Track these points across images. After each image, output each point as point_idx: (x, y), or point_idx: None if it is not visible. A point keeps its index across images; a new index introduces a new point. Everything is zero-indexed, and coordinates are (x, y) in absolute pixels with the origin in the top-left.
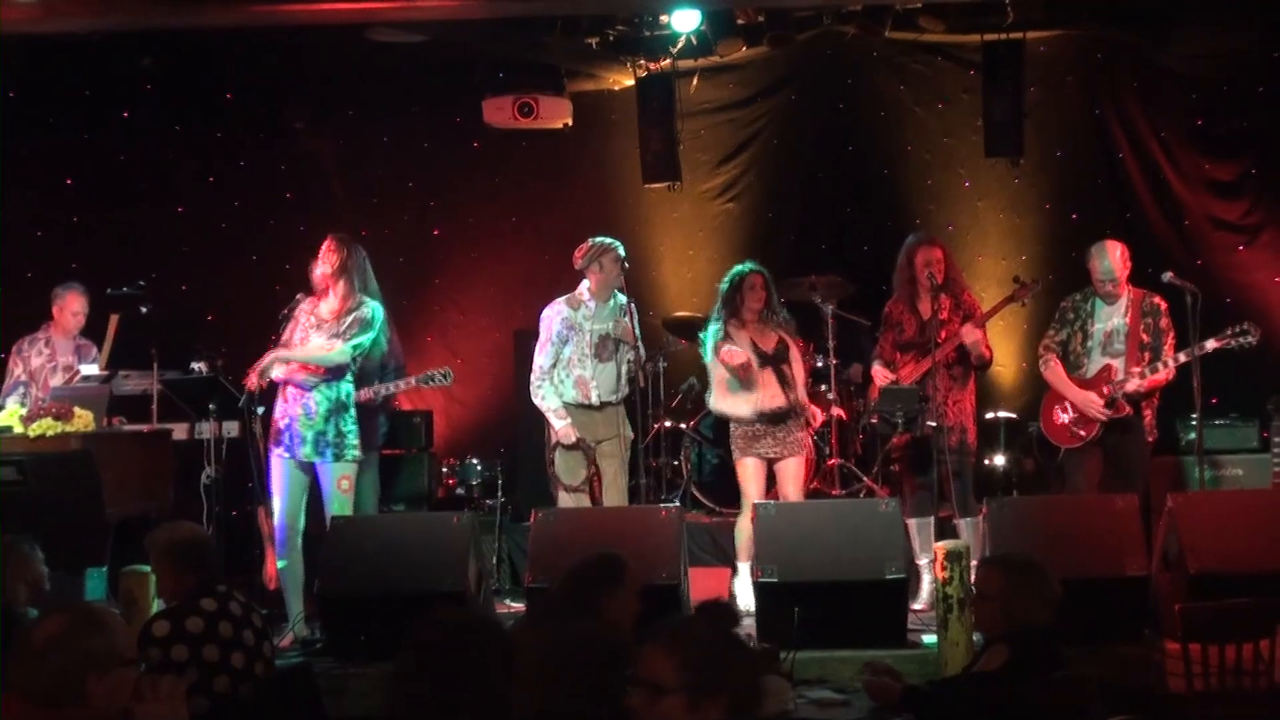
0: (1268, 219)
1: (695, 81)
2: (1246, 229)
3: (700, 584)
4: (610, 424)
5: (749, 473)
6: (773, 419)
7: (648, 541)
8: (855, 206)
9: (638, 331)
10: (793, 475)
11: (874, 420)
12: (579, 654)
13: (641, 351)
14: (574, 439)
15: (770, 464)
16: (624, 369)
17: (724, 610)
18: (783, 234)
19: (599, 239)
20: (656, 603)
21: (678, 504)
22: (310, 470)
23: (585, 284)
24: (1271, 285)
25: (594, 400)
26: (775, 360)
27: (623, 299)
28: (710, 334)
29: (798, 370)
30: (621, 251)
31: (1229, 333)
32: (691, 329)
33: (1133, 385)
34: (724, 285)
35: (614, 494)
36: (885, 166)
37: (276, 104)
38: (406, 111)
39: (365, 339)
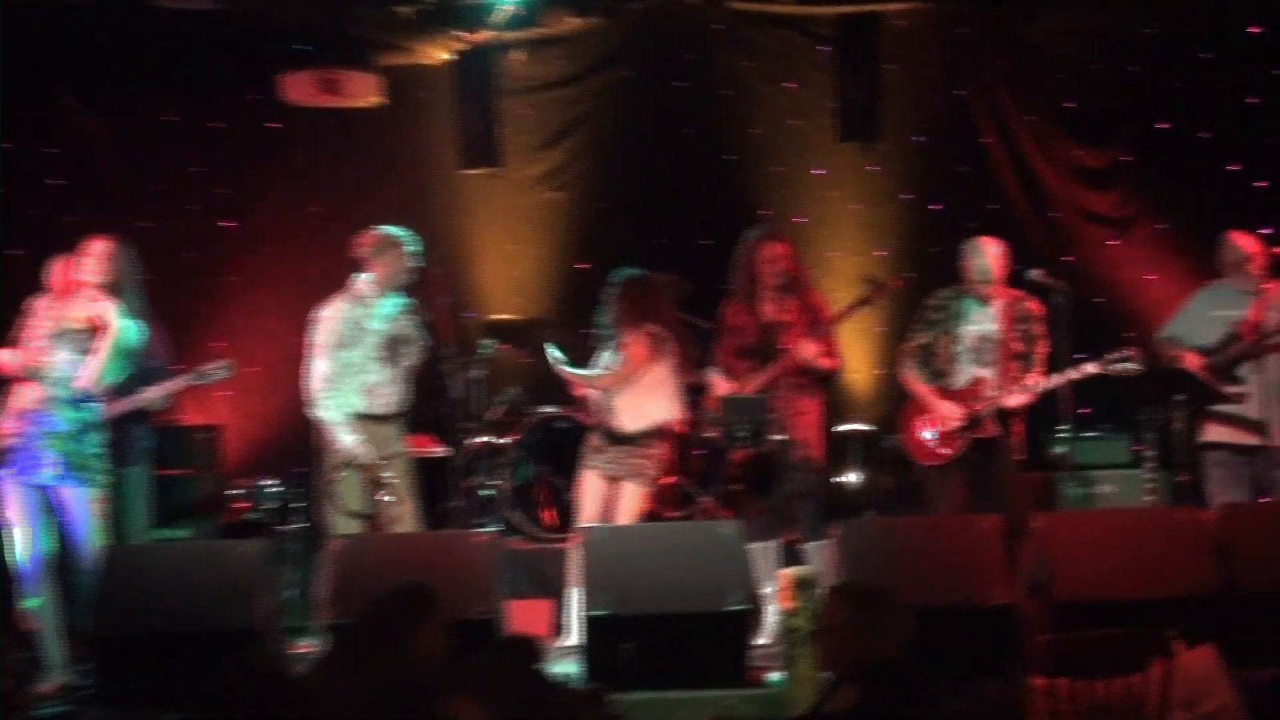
0: (1140, 210)
1: (518, 56)
2: (1118, 221)
3: (520, 618)
4: (397, 439)
5: (585, 487)
6: (612, 437)
7: (460, 571)
8: (695, 196)
9: (424, 334)
10: (624, 503)
11: (714, 434)
12: (383, 695)
13: (426, 353)
14: (365, 456)
15: (611, 484)
16: (404, 375)
17: (525, 647)
18: (615, 226)
19: (389, 229)
20: (470, 640)
21: (495, 529)
22: (50, 494)
23: (366, 278)
24: (1144, 283)
25: (383, 411)
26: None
27: (404, 298)
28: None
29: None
30: (414, 247)
31: (1108, 359)
32: (514, 333)
33: (1014, 401)
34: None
35: (408, 519)
36: (728, 152)
37: (42, 76)
38: (194, 87)
39: (121, 353)
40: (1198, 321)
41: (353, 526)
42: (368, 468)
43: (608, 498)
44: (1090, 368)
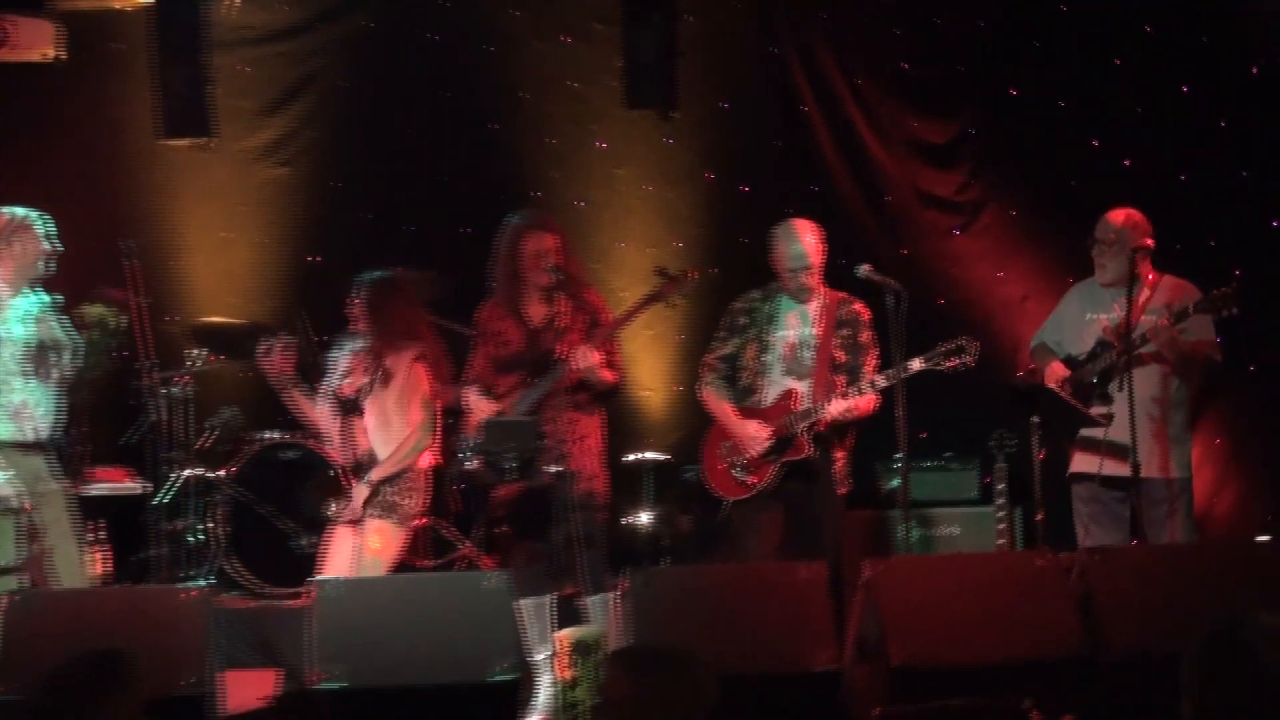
0: (988, 194)
1: (232, 0)
2: (963, 207)
3: (238, 693)
4: (51, 470)
5: (332, 539)
6: (359, 473)
7: (162, 635)
8: (452, 174)
9: (75, 336)
10: (372, 546)
11: (474, 465)
12: None
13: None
14: (12, 495)
15: (355, 527)
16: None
17: None
18: (354, 211)
19: (14, 210)
20: None
21: (207, 583)
22: None
23: None
24: (994, 281)
25: (33, 437)
26: (353, 404)
27: (45, 294)
28: None
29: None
30: (48, 228)
31: (940, 350)
32: (228, 339)
33: (836, 409)
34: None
35: (71, 570)
36: (494, 120)
37: None
38: None
39: None
40: (1072, 326)
41: (4, 583)
42: (17, 510)
43: (355, 545)
44: (917, 364)
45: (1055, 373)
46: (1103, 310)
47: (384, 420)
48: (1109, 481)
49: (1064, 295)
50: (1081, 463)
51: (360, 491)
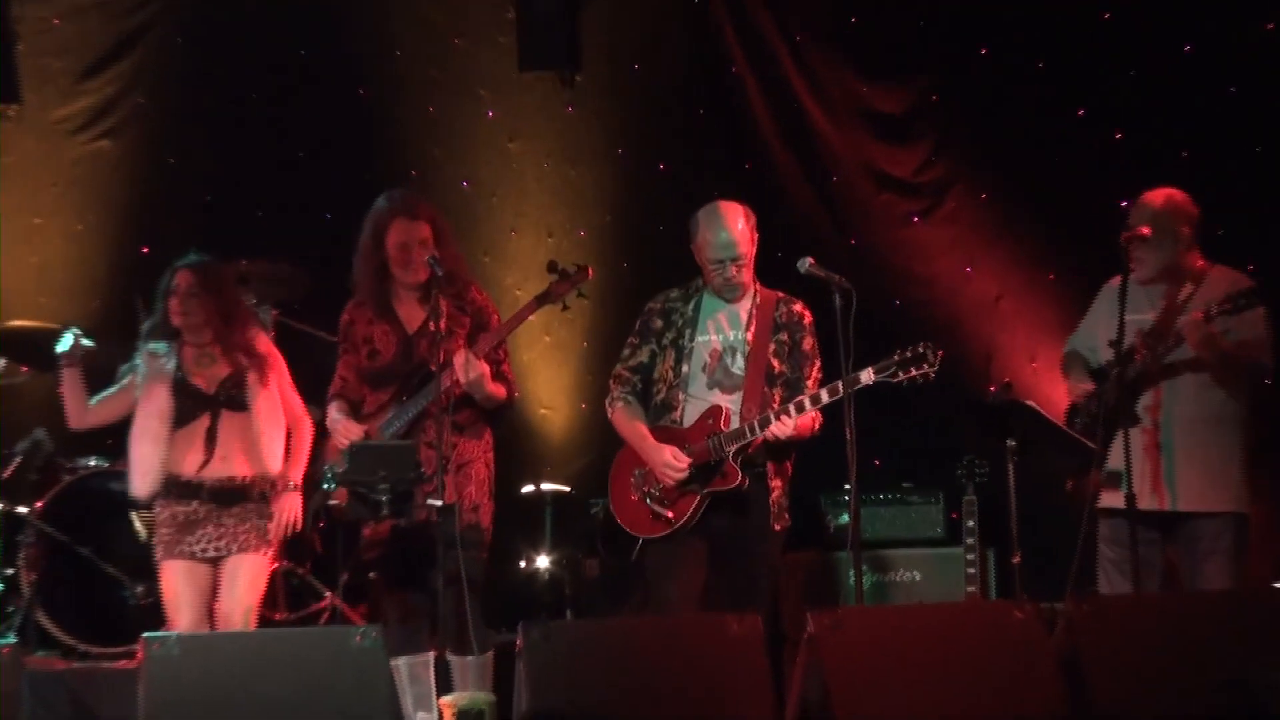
0: (954, 173)
1: None
2: (924, 189)
3: None
4: None
5: (176, 583)
6: (220, 495)
7: None
8: (311, 150)
9: None
10: (240, 586)
11: (338, 499)
12: None
13: None
14: None
15: (215, 567)
16: None
17: None
18: (190, 193)
19: None
20: None
21: (11, 641)
22: None
23: None
24: (962, 277)
25: None
26: (221, 402)
27: None
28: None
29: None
30: None
31: (896, 359)
32: (37, 347)
33: (774, 430)
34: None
35: None
36: (363, 85)
37: None
38: None
39: None
40: (1106, 329)
41: None
42: None
43: (209, 588)
44: (868, 375)
45: (1075, 389)
46: (1141, 311)
47: (274, 418)
48: (1145, 519)
49: (1098, 293)
50: (1110, 498)
51: (291, 501)
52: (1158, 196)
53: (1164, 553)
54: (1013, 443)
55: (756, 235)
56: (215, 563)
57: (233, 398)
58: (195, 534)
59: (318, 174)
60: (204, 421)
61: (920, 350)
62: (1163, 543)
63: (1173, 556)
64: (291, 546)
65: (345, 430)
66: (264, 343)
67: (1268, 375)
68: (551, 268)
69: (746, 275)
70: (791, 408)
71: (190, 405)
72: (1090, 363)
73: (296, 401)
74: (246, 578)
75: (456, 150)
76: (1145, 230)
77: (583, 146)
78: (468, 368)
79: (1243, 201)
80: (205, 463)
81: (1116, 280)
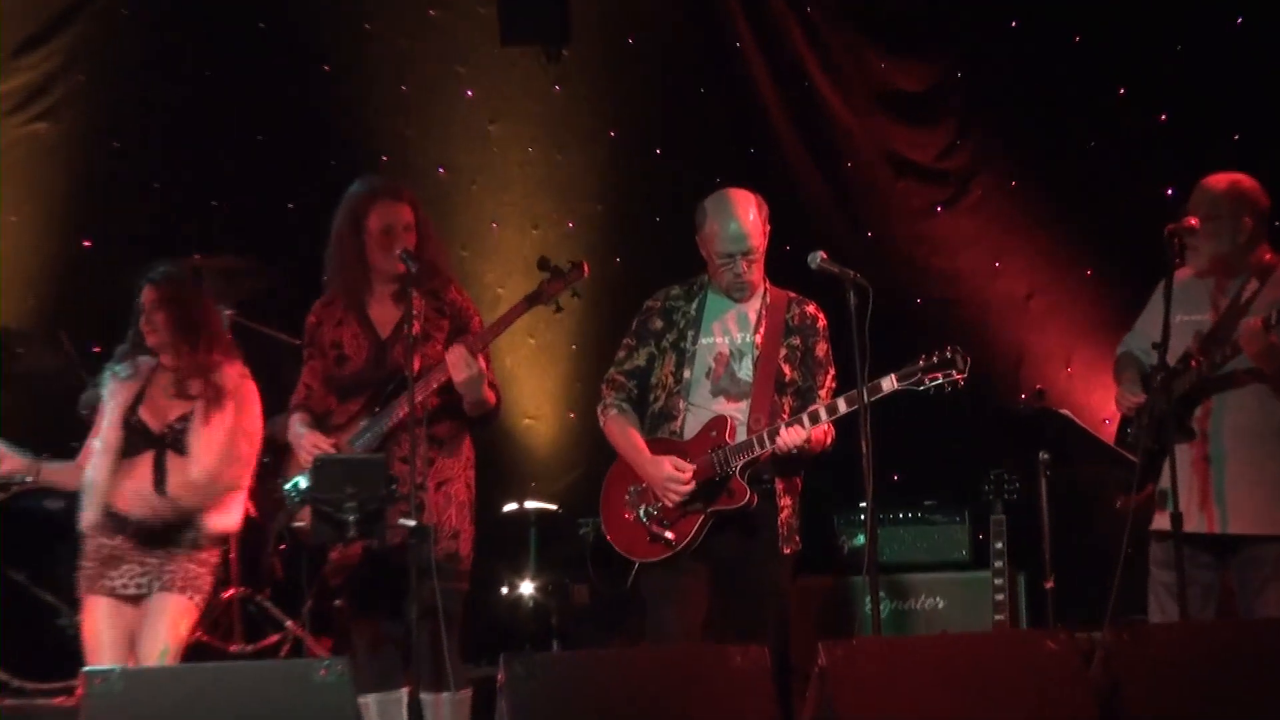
0: (981, 159)
1: None
2: (948, 177)
3: None
4: None
5: (97, 621)
6: (144, 535)
7: None
8: (273, 133)
9: None
10: (161, 628)
11: (302, 519)
12: None
13: None
14: None
15: (137, 605)
16: None
17: None
18: (138, 180)
19: None
20: None
21: None
22: None
23: None
24: (989, 273)
25: None
26: (167, 443)
27: None
28: None
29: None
30: None
31: (921, 365)
32: None
33: (786, 441)
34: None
35: None
36: (326, 61)
37: None
38: None
39: None
40: (1165, 329)
41: None
42: None
43: (132, 628)
44: (890, 383)
45: (1124, 400)
46: (1199, 310)
47: (210, 461)
48: (1197, 542)
49: (1157, 287)
50: (1161, 517)
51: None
52: (1221, 181)
53: (1221, 577)
54: (1045, 455)
55: (768, 227)
56: (137, 601)
57: (178, 438)
58: (118, 569)
59: (278, 159)
60: (148, 457)
61: (948, 355)
62: (1219, 567)
63: (1229, 582)
64: (249, 571)
65: (310, 443)
66: (231, 374)
67: None
68: (543, 264)
69: (757, 272)
70: (805, 418)
71: (135, 441)
72: (1145, 366)
73: (245, 450)
74: (168, 617)
75: (432, 133)
76: (1193, 221)
77: (571, 129)
78: (464, 364)
79: None
80: (142, 499)
81: (1180, 272)
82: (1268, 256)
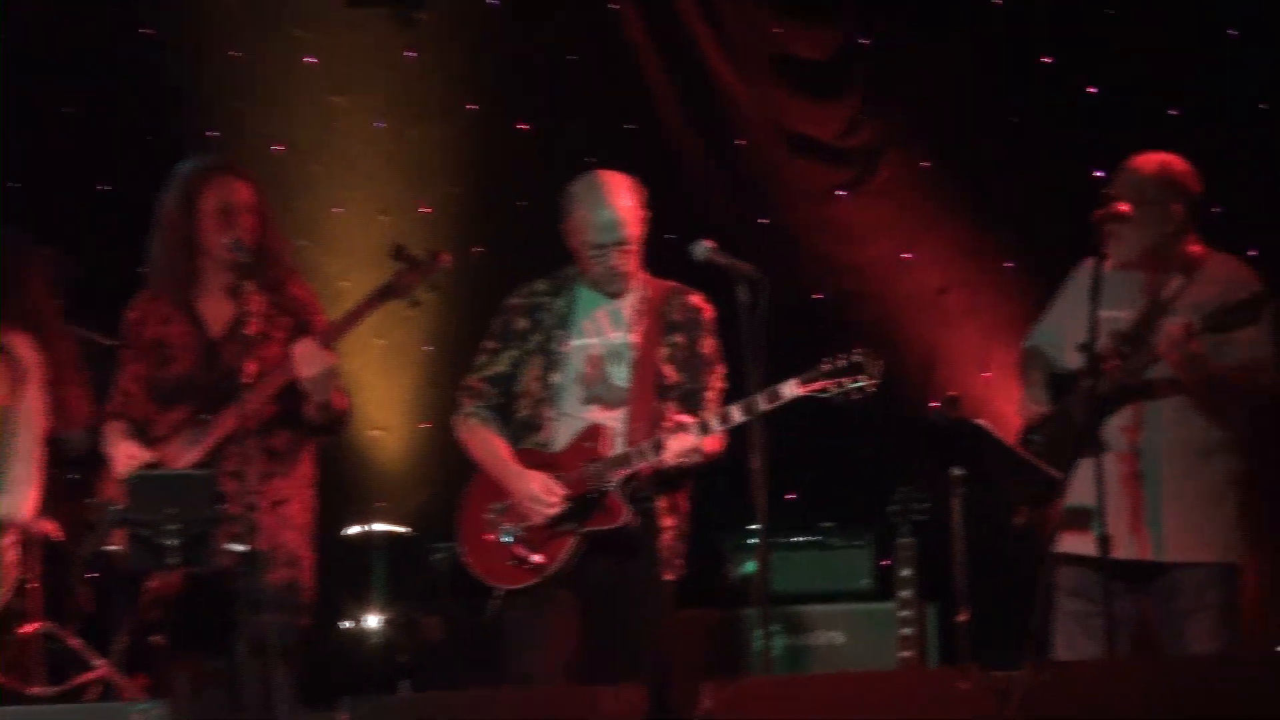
0: (889, 136)
1: None
2: (852, 156)
3: None
4: None
5: None
6: None
7: None
8: (84, 106)
9: None
10: None
11: (116, 543)
12: None
13: None
14: None
15: None
16: None
17: None
18: None
19: None
20: None
21: None
22: None
23: None
24: (898, 265)
25: None
26: None
27: None
28: None
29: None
30: None
31: (828, 369)
32: None
33: (673, 451)
34: None
35: None
36: (149, 24)
37: None
38: None
39: None
40: (1078, 325)
41: None
42: None
43: None
44: (792, 389)
45: (1025, 409)
46: (1118, 306)
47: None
48: (1117, 568)
49: (1067, 278)
50: (1074, 539)
51: None
52: (1150, 162)
53: (1137, 606)
54: (959, 471)
55: (645, 213)
56: None
57: None
58: None
59: (91, 135)
60: None
61: (857, 358)
62: (1135, 594)
63: (1147, 612)
64: (53, 603)
65: (127, 455)
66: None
67: (1267, 399)
68: (398, 254)
69: (632, 264)
70: (693, 425)
71: None
72: (1055, 364)
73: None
74: None
75: (267, 106)
76: (1124, 207)
77: (425, 101)
78: (313, 359)
79: (1243, 171)
80: None
81: (1092, 263)
82: (1195, 249)
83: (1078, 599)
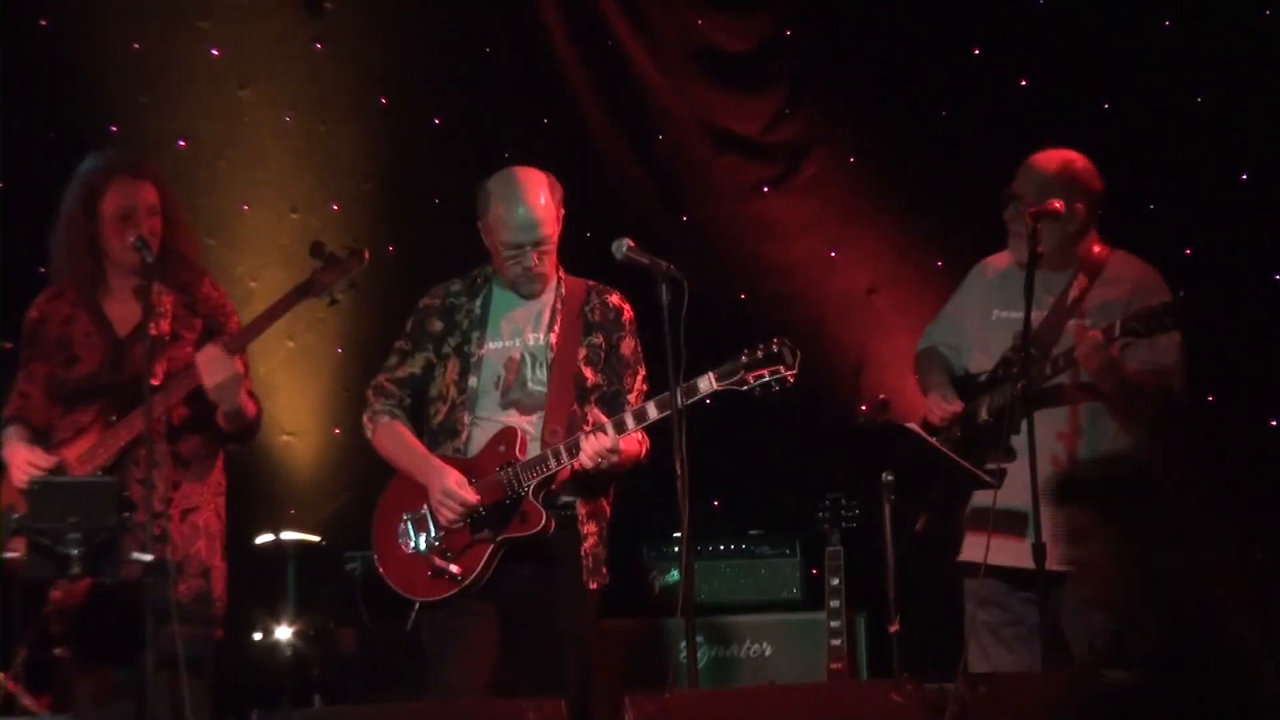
0: (815, 131)
1: None
2: (775, 152)
3: None
4: None
5: None
6: None
7: None
8: None
9: None
10: None
11: (15, 551)
12: None
13: None
14: None
15: None
16: None
17: None
18: None
19: None
20: None
21: None
22: None
23: None
24: (825, 264)
25: None
26: None
27: None
28: None
29: None
30: None
31: (745, 360)
32: None
33: (590, 452)
34: None
35: None
36: (46, 14)
37: None
38: None
39: None
40: (976, 326)
41: None
42: None
43: None
44: (708, 383)
45: (938, 408)
46: (1020, 306)
47: None
48: (1017, 576)
49: (966, 277)
50: (975, 547)
51: None
52: (1052, 159)
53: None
54: (890, 477)
55: (562, 210)
56: None
57: None
58: None
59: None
60: None
61: (774, 349)
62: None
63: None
64: None
65: (25, 460)
66: None
67: (1176, 404)
68: (316, 250)
69: (549, 264)
70: (609, 424)
71: None
72: (954, 365)
73: None
74: None
75: (170, 99)
76: (1057, 204)
77: (336, 95)
78: (218, 365)
79: (1180, 167)
80: None
81: (995, 258)
82: (1096, 249)
83: (987, 608)
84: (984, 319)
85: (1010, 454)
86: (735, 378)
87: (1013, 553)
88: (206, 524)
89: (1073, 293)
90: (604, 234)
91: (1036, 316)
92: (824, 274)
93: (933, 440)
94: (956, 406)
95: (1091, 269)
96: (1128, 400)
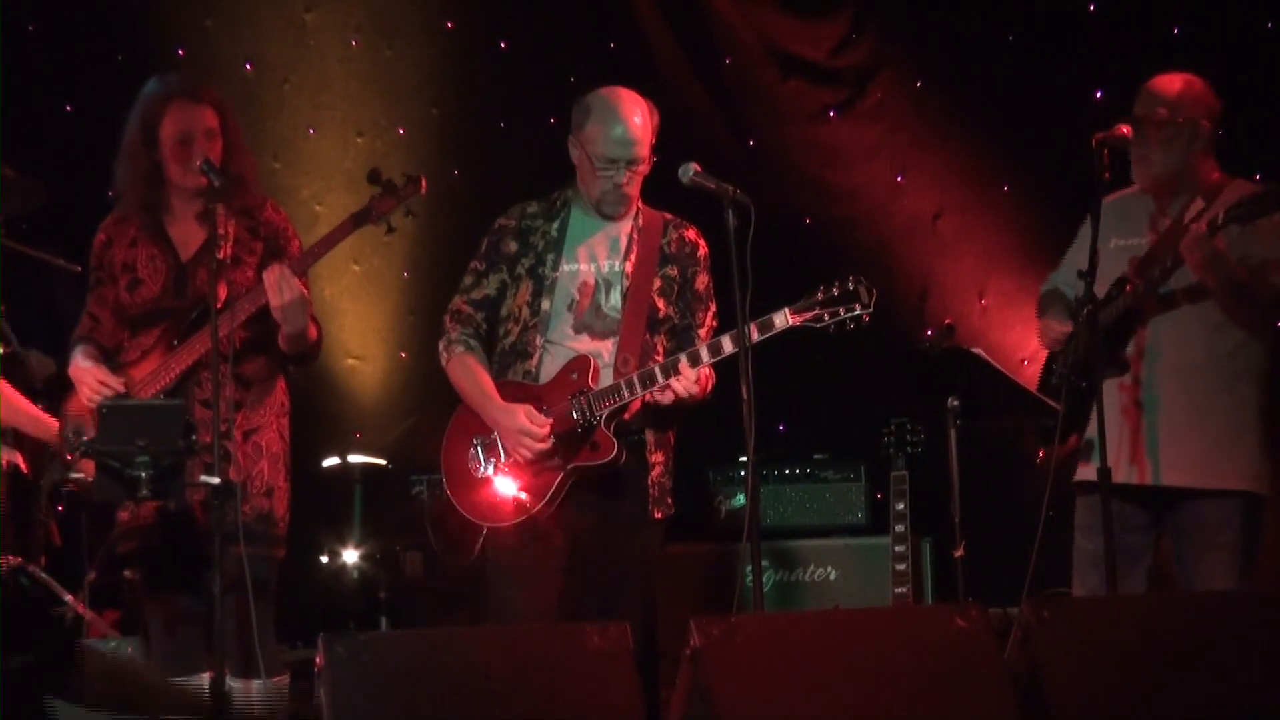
0: (881, 55)
1: None
2: (842, 76)
3: None
4: None
5: None
6: None
7: None
8: (45, 23)
9: None
10: None
11: (83, 473)
12: None
13: None
14: None
15: None
16: None
17: None
18: None
19: None
20: None
21: None
22: None
23: None
24: (892, 188)
25: None
26: None
27: None
28: None
29: None
30: None
31: (821, 297)
32: None
33: (679, 388)
34: None
35: None
36: None
37: None
38: None
39: None
40: (1101, 262)
41: None
42: None
43: None
44: (784, 318)
45: (1048, 330)
46: (1138, 234)
47: None
48: (1128, 496)
49: (1088, 216)
50: (1087, 470)
51: None
52: (1175, 81)
53: (1156, 542)
54: (955, 402)
55: (654, 133)
56: None
57: None
58: None
59: (53, 55)
60: None
61: (850, 287)
62: (1154, 529)
63: (1166, 547)
64: (19, 537)
65: (96, 381)
66: None
67: None
68: (373, 178)
69: (637, 186)
70: (684, 358)
71: None
72: (1074, 303)
73: None
74: None
75: (236, 22)
76: (1126, 129)
77: (401, 18)
78: (284, 286)
79: (1250, 97)
80: None
81: (1117, 194)
82: (1215, 175)
83: (1092, 535)
84: (1103, 249)
85: (1123, 367)
86: (812, 314)
87: (1123, 472)
88: (269, 445)
89: (1188, 215)
90: (671, 159)
91: (1152, 240)
92: (889, 199)
93: (995, 364)
94: (1068, 326)
95: (1209, 193)
96: (1237, 298)
